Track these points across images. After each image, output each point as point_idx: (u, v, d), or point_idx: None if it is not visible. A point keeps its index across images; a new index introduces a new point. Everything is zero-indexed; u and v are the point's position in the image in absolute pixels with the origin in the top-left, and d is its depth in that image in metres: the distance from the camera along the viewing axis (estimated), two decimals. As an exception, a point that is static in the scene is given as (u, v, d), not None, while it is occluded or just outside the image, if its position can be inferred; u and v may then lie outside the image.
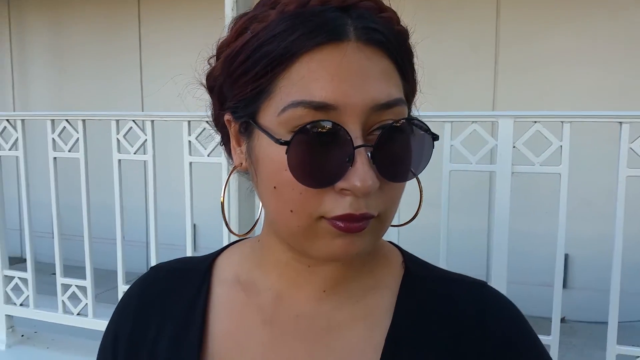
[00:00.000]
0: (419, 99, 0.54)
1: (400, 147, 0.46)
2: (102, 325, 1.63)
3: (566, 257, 3.37)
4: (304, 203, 0.46)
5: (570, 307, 3.08)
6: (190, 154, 1.47)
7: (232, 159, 0.55)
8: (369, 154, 0.44)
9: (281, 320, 0.54)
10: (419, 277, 0.56)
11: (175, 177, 1.66)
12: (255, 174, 0.50)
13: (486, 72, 3.03)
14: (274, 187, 0.47)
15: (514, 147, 1.16)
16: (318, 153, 0.44)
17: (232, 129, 0.52)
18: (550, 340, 1.23)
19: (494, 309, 0.54)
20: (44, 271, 1.82)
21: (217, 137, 0.58)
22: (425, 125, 0.48)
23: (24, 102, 4.30)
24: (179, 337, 0.56)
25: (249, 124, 0.49)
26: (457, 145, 1.19)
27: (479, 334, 0.52)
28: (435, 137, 0.49)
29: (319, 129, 0.44)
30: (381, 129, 0.45)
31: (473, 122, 1.17)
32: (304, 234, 0.47)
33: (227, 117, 0.52)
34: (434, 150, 0.50)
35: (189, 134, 1.46)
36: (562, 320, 3.34)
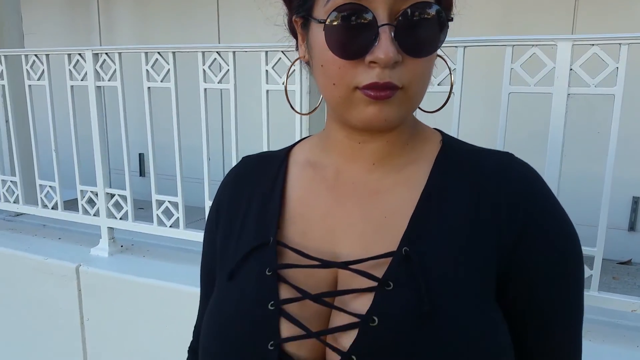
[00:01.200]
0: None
1: (420, 28, 0.58)
2: (191, 235, 1.86)
3: (636, 200, 3.34)
4: (342, 76, 0.59)
5: (637, 250, 3.09)
6: (267, 82, 1.63)
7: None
8: (392, 33, 0.57)
9: (341, 186, 0.69)
10: (453, 150, 0.69)
11: (252, 105, 1.83)
12: (312, 61, 0.64)
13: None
14: (321, 66, 0.61)
15: (571, 69, 1.23)
16: (349, 30, 0.57)
17: (298, 27, 0.66)
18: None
19: (514, 169, 0.65)
20: (135, 205, 2.06)
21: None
22: (442, 10, 0.59)
23: (108, 37, 4.58)
24: (265, 203, 0.72)
25: (306, 19, 0.63)
26: (516, 68, 1.28)
27: (495, 187, 0.64)
28: (450, 19, 0.61)
29: (349, 11, 0.57)
30: (404, 11, 0.57)
31: (533, 45, 1.24)
32: (344, 103, 0.61)
33: (294, 18, 0.66)
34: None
35: (266, 64, 1.61)
36: (629, 262, 3.35)
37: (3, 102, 2.28)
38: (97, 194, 2.06)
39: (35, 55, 2.05)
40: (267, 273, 0.65)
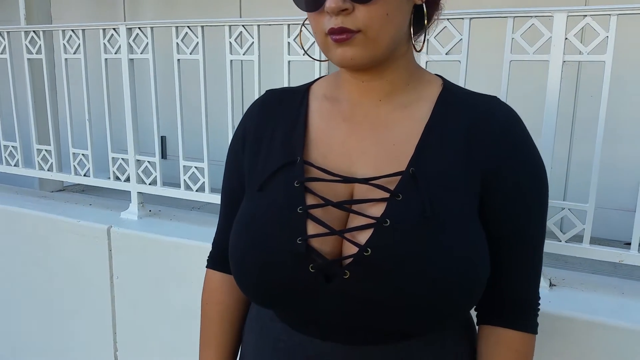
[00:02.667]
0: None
1: None
2: (216, 199, 2.01)
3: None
4: (315, 25, 0.75)
5: None
6: (288, 53, 1.77)
7: None
8: None
9: (355, 118, 0.83)
10: (452, 92, 0.83)
11: (274, 77, 1.97)
12: None
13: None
14: (309, 23, 0.78)
15: (566, 38, 1.36)
16: None
17: None
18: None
19: (499, 111, 0.80)
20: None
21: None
22: None
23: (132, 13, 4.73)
24: (290, 130, 0.85)
25: None
26: (517, 38, 1.41)
27: (483, 124, 0.78)
28: None
29: None
30: None
31: (532, 17, 1.37)
32: (324, 48, 0.76)
33: None
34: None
35: (288, 36, 1.75)
36: None
37: (40, 75, 2.43)
38: (127, 161, 2.21)
39: (72, 30, 2.21)
40: (295, 184, 0.79)
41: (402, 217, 0.73)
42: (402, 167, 0.77)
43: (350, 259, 0.72)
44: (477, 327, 0.88)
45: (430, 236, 0.72)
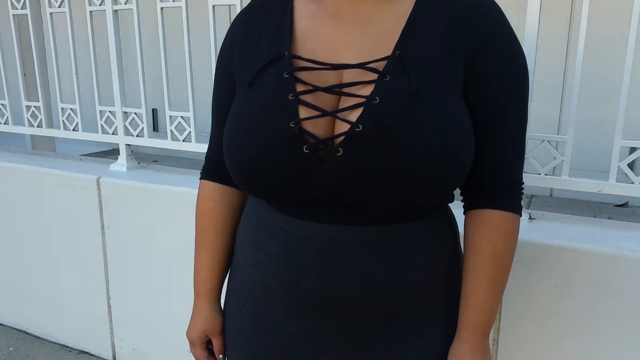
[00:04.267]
0: None
1: None
2: (203, 148, 2.02)
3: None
4: None
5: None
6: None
7: None
8: None
9: (340, 14, 0.84)
10: None
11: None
12: None
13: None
14: None
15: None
16: None
17: None
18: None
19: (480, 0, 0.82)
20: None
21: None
22: None
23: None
24: (277, 30, 0.87)
25: None
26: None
27: (464, 12, 0.81)
28: None
29: None
30: None
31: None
32: None
33: None
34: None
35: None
36: (625, 205, 3.47)
37: (26, 30, 2.43)
38: (114, 114, 2.22)
39: (56, -18, 2.20)
40: (284, 75, 0.81)
41: (391, 94, 0.76)
42: (389, 52, 0.80)
43: (343, 137, 0.75)
44: (464, 217, 0.91)
45: (419, 109, 0.75)
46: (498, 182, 0.85)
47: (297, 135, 0.76)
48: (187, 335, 1.02)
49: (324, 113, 0.77)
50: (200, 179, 1.02)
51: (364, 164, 0.74)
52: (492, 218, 0.84)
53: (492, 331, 1.51)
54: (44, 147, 2.78)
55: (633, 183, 1.42)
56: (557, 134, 3.14)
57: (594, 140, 2.51)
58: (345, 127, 0.76)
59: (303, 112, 0.78)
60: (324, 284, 0.81)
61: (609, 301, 1.36)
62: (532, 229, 1.50)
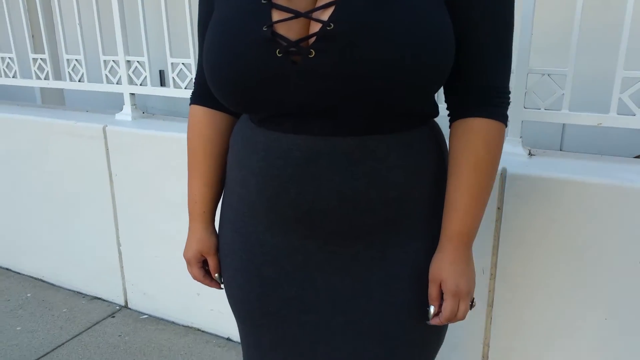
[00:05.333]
0: None
1: None
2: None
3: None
4: None
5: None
6: None
7: None
8: None
9: None
10: None
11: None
12: None
13: None
14: None
15: None
16: None
17: None
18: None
19: None
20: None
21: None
22: None
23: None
24: None
25: None
26: None
27: None
28: None
29: None
30: None
31: None
32: None
33: None
34: None
35: None
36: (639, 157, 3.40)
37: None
38: (118, 63, 2.23)
39: None
40: None
41: None
42: None
43: (314, 37, 0.74)
44: (449, 129, 0.90)
45: (393, 6, 0.73)
46: (484, 88, 0.83)
47: (269, 38, 0.75)
48: (184, 256, 1.05)
49: (296, 14, 0.76)
50: (190, 104, 1.03)
51: (336, 64, 0.73)
52: (475, 126, 0.83)
53: (489, 265, 1.53)
54: (53, 102, 2.81)
55: (635, 115, 1.40)
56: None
57: (596, 73, 2.45)
58: (318, 26, 0.75)
59: (276, 16, 0.77)
60: (303, 196, 0.81)
61: (607, 232, 1.36)
62: (530, 163, 1.50)
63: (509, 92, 0.86)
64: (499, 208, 1.49)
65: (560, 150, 2.73)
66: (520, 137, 1.55)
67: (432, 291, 0.86)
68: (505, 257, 1.52)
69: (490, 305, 1.58)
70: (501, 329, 1.58)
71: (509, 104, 0.86)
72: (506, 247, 1.51)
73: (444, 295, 0.86)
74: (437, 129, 0.93)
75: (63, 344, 2.14)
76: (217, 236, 1.04)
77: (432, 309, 0.87)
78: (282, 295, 0.90)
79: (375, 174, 0.81)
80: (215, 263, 1.03)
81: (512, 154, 1.54)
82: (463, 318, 0.87)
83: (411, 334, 0.88)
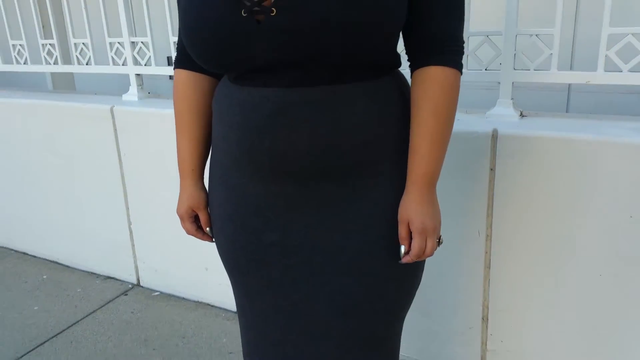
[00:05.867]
0: None
1: None
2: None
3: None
4: None
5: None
6: None
7: None
8: None
9: None
10: None
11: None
12: None
13: None
14: None
15: None
16: None
17: None
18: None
19: None
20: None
21: None
22: None
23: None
24: None
25: None
26: None
27: None
28: None
29: None
30: None
31: None
32: None
33: None
34: None
35: None
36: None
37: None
38: (123, 44, 2.28)
39: None
40: None
41: None
42: None
43: None
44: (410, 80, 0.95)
45: None
46: (435, 38, 0.88)
47: (234, 0, 0.81)
48: (177, 212, 1.10)
49: None
50: (173, 69, 1.08)
51: (295, 20, 0.78)
52: (431, 73, 0.88)
53: (485, 227, 1.56)
54: (64, 87, 2.89)
55: (622, 71, 1.41)
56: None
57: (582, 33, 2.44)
58: None
59: None
60: (277, 144, 0.86)
61: (598, 188, 1.38)
62: (521, 124, 1.52)
63: (463, 42, 0.91)
64: (491, 169, 1.51)
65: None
66: (512, 99, 1.57)
67: (402, 231, 0.91)
68: (500, 217, 1.55)
69: (488, 266, 1.61)
70: (499, 290, 1.61)
71: (463, 52, 0.91)
72: (500, 208, 1.53)
73: (412, 234, 0.91)
74: (401, 79, 0.97)
75: (78, 321, 2.21)
76: (207, 192, 1.09)
77: (402, 248, 0.92)
78: (265, 242, 0.95)
79: (342, 120, 0.86)
80: (206, 217, 1.08)
81: (504, 115, 1.57)
82: (431, 254, 0.92)
83: (387, 270, 0.93)
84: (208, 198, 1.08)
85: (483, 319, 1.67)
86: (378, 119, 0.90)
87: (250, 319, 1.03)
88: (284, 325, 0.98)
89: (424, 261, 1.00)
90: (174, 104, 1.08)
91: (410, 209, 0.90)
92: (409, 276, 0.97)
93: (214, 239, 1.09)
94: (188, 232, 1.11)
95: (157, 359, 1.94)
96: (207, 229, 1.09)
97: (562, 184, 1.42)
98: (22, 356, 2.00)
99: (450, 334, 1.74)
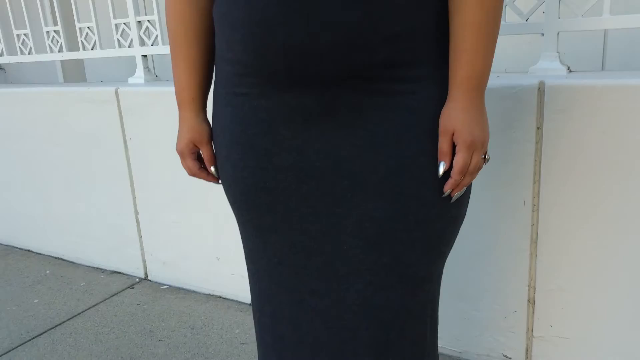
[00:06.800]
0: None
1: None
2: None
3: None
4: None
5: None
6: None
7: None
8: None
9: None
10: None
11: None
12: None
13: None
14: None
15: None
16: None
17: None
18: None
19: None
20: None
21: None
22: None
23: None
24: None
25: None
26: None
27: None
28: None
29: None
30: None
31: None
32: None
33: None
34: None
35: None
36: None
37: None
38: (129, 25, 2.16)
39: None
40: None
41: None
42: None
43: None
44: None
45: None
46: None
47: None
48: (176, 149, 0.95)
49: None
50: None
51: None
52: None
53: (531, 196, 1.39)
54: (74, 79, 2.78)
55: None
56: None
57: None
58: None
59: None
60: (292, 37, 0.71)
61: (661, 143, 1.21)
62: (570, 76, 1.35)
63: None
64: (538, 128, 1.35)
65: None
66: (557, 52, 1.41)
67: (443, 144, 0.76)
68: (548, 185, 1.37)
69: (535, 241, 1.43)
70: (548, 268, 1.43)
71: None
72: (549, 173, 1.36)
73: (457, 147, 0.76)
74: None
75: (80, 313, 2.06)
76: (210, 126, 0.94)
77: (442, 166, 0.77)
78: (278, 165, 0.80)
79: (372, 6, 0.70)
80: (210, 153, 0.93)
81: (550, 69, 1.40)
82: (475, 174, 0.78)
83: (427, 192, 0.77)
84: (211, 133, 0.93)
85: (529, 301, 1.49)
86: (416, 3, 0.74)
87: (261, 264, 0.88)
88: (302, 265, 0.83)
89: (469, 192, 0.85)
90: (167, 23, 0.93)
91: (456, 117, 0.75)
92: (454, 204, 0.81)
93: (220, 181, 0.94)
94: (190, 172, 0.95)
95: (163, 350, 1.78)
96: (212, 168, 0.93)
97: (623, 144, 1.25)
98: (17, 347, 1.84)
99: (489, 320, 1.55)
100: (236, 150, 0.84)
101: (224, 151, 0.87)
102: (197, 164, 0.95)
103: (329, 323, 0.82)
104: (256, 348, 1.74)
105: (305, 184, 0.79)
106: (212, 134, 0.92)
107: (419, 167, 0.76)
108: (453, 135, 0.75)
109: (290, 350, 0.87)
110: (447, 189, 0.78)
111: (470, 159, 0.76)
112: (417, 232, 0.77)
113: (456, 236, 0.85)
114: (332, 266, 0.80)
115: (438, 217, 0.78)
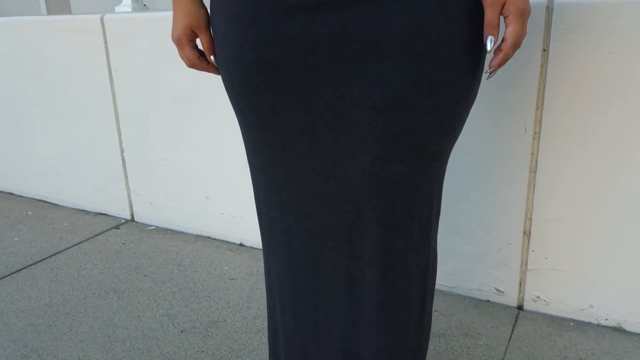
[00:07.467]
0: None
1: None
2: None
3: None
4: None
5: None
6: None
7: None
8: None
9: None
10: None
11: None
12: None
13: None
14: None
15: None
16: None
17: None
18: None
19: None
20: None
21: None
22: None
23: None
24: None
25: None
26: None
27: None
28: None
29: None
30: None
31: None
32: None
33: None
34: None
35: None
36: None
37: None
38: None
39: None
40: None
41: None
42: None
43: None
44: None
45: None
46: None
47: None
48: (172, 37, 0.88)
49: None
50: None
51: None
52: None
53: (532, 122, 1.34)
54: (58, 11, 2.66)
55: None
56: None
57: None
58: None
59: None
60: None
61: (672, 63, 1.17)
62: (580, -3, 1.30)
63: None
64: (544, 50, 1.29)
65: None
66: (568, -29, 1.34)
67: (494, 17, 0.71)
68: (551, 111, 1.33)
69: (534, 170, 1.39)
70: (546, 198, 1.39)
71: None
72: (552, 97, 1.31)
73: (509, 18, 0.71)
74: None
75: (62, 251, 2.00)
76: (207, 10, 0.87)
77: (490, 40, 0.71)
78: (282, 35, 0.74)
79: None
80: (209, 39, 0.86)
81: (559, -11, 1.34)
82: (520, 44, 0.73)
83: (442, 52, 0.71)
84: (208, 18, 0.86)
85: (525, 232, 1.45)
86: None
87: (265, 153, 0.83)
88: (307, 147, 0.78)
89: (482, 69, 0.80)
90: None
91: None
92: (469, 73, 0.75)
93: (220, 70, 0.87)
94: (189, 63, 0.88)
95: (149, 284, 1.73)
96: (212, 57, 0.87)
97: (629, 66, 1.20)
98: (-4, 281, 1.79)
99: (483, 253, 1.52)
100: (236, 24, 0.77)
101: (222, 27, 0.80)
102: (196, 53, 0.88)
103: (336, 207, 0.78)
104: (244, 284, 1.71)
105: (311, 54, 0.73)
106: (209, 19, 0.86)
107: (435, 25, 0.70)
108: (504, 5, 0.70)
109: (298, 241, 0.83)
110: (494, 64, 0.73)
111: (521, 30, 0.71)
112: (429, 99, 0.72)
113: (467, 115, 0.80)
114: (337, 143, 0.75)
115: (452, 84, 0.73)
